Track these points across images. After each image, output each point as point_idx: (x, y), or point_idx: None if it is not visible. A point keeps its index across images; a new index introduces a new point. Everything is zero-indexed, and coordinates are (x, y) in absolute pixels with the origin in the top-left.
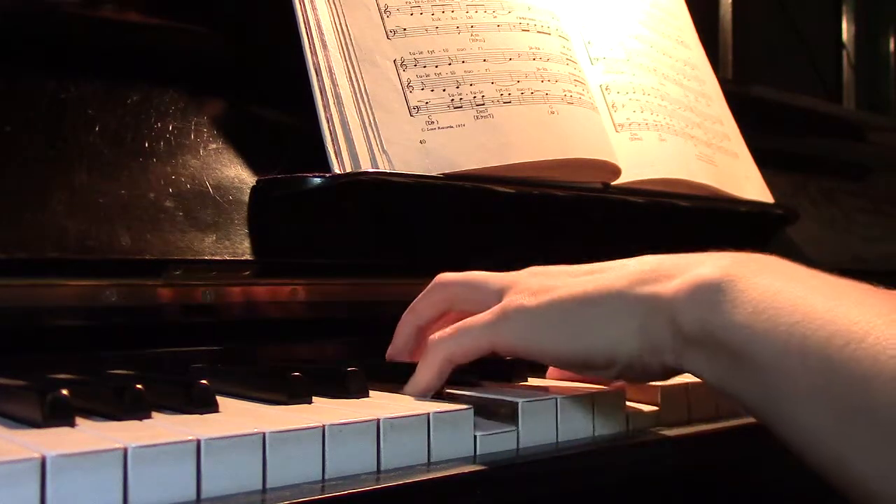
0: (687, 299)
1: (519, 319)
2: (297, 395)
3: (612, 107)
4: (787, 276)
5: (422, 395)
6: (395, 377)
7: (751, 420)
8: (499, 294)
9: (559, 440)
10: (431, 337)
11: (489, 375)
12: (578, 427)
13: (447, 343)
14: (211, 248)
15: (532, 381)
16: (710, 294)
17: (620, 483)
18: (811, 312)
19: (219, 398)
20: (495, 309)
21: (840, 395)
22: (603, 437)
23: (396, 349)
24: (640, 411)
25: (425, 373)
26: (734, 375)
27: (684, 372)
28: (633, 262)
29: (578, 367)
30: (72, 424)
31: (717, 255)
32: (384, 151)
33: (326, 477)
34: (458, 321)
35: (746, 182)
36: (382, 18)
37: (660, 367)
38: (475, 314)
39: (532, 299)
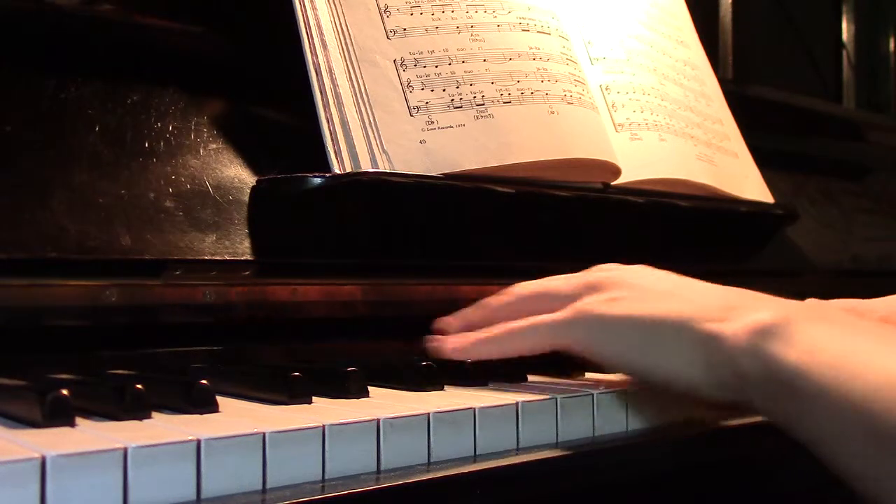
0: (747, 342)
1: (591, 324)
2: (298, 395)
3: (612, 107)
4: (841, 324)
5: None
6: (396, 377)
7: (755, 419)
8: (572, 296)
9: (559, 440)
10: (503, 326)
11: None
12: (578, 426)
13: (518, 336)
14: (211, 248)
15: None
16: (768, 338)
17: (621, 482)
18: (862, 362)
19: (219, 398)
20: (569, 310)
21: (887, 439)
22: (603, 437)
23: (459, 321)
24: (643, 410)
25: (486, 352)
26: (792, 416)
27: (748, 408)
28: (702, 290)
29: (637, 378)
30: (72, 424)
31: (778, 300)
32: (384, 151)
33: (326, 477)
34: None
35: (746, 182)
36: (382, 18)
37: (723, 400)
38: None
39: (606, 307)
